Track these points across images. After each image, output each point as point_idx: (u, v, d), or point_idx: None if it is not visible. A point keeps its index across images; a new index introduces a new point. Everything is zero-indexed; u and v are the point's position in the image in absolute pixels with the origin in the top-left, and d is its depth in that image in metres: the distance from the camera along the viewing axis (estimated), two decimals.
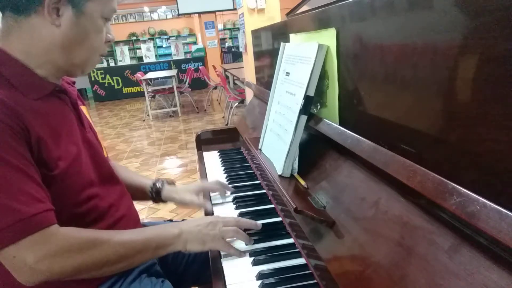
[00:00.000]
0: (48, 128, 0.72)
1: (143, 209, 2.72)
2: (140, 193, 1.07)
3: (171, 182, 1.09)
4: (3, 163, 0.62)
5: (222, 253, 0.81)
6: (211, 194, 1.11)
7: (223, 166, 1.34)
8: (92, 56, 0.77)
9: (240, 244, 0.83)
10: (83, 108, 0.91)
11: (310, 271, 0.71)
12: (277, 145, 0.91)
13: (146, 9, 12.07)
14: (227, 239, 0.80)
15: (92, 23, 0.74)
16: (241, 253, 0.79)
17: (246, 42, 3.93)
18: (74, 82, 0.90)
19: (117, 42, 11.75)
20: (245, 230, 0.84)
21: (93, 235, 0.72)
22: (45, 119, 0.72)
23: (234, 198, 1.07)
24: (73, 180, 0.74)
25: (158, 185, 1.06)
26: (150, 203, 2.74)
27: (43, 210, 0.65)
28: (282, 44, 1.00)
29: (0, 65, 0.70)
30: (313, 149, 0.86)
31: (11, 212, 0.62)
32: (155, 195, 1.06)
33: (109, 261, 0.71)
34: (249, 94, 4.28)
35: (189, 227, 0.79)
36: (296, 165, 0.86)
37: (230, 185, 1.12)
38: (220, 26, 11.83)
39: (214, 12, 8.93)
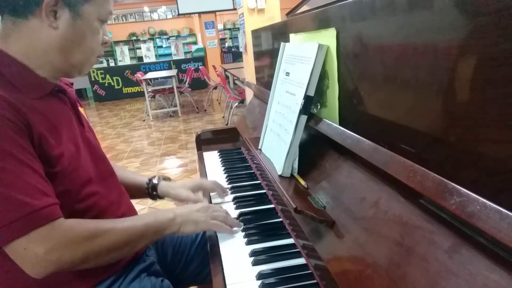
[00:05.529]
0: (49, 126, 0.73)
1: (143, 209, 2.72)
2: (137, 191, 1.09)
3: (167, 178, 1.12)
4: (10, 157, 0.63)
5: (222, 252, 0.81)
6: (211, 194, 1.12)
7: (223, 166, 1.34)
8: (89, 57, 0.79)
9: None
10: (81, 110, 0.91)
11: (310, 271, 0.71)
12: (277, 145, 0.91)
13: (146, 9, 12.07)
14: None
15: (89, 26, 0.75)
16: (231, 230, 0.87)
17: (246, 42, 3.93)
18: (72, 84, 0.91)
19: (117, 42, 11.76)
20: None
21: (98, 224, 0.74)
22: (45, 117, 0.73)
23: (234, 198, 1.07)
24: (72, 177, 0.75)
25: (154, 180, 1.09)
26: (150, 203, 2.78)
27: (51, 204, 0.67)
28: (282, 44, 1.00)
29: (0, 66, 0.70)
30: (313, 149, 0.86)
31: (21, 205, 0.63)
32: (151, 190, 1.08)
33: (115, 247, 0.74)
34: (249, 94, 4.28)
35: (182, 211, 0.86)
36: (296, 165, 0.86)
37: (230, 185, 1.12)
38: (220, 26, 11.84)
39: (214, 12, 8.93)
